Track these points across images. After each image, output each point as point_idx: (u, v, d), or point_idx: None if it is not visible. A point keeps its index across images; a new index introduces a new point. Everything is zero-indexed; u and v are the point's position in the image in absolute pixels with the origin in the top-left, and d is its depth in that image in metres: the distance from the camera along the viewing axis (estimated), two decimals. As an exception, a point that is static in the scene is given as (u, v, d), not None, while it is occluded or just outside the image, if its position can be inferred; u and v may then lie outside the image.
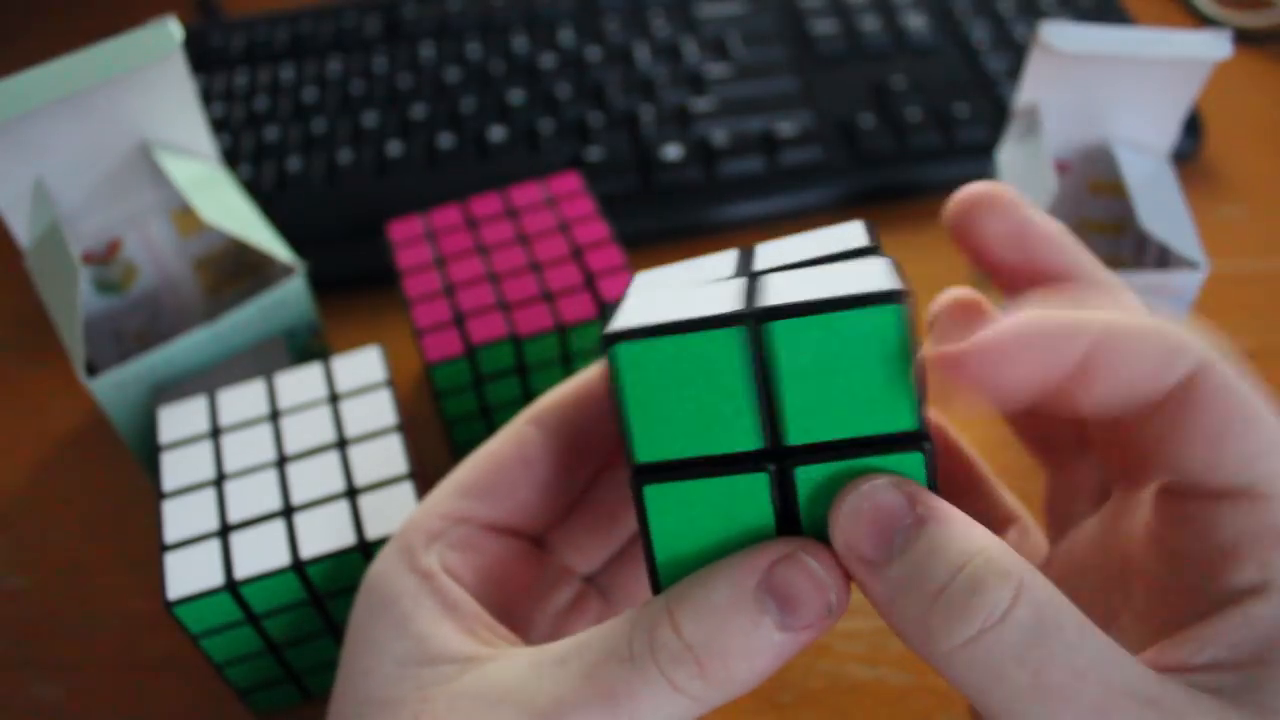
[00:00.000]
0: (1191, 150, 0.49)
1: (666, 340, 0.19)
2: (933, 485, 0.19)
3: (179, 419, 0.33)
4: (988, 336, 0.19)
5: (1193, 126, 0.49)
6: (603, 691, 0.20)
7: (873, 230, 0.22)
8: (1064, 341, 0.19)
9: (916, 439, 0.19)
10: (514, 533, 0.25)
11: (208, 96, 0.53)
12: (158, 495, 0.31)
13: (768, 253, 0.23)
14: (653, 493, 0.20)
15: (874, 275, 0.19)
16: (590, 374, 0.26)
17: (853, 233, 0.23)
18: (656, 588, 0.21)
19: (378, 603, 0.23)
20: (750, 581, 0.19)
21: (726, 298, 0.20)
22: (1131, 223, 0.40)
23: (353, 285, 0.46)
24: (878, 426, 0.19)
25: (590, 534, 0.27)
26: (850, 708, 0.33)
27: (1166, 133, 0.38)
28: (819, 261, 0.21)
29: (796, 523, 0.20)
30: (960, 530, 0.19)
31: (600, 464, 0.26)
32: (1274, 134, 0.50)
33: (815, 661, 0.34)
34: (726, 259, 0.23)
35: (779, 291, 0.20)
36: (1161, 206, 0.36)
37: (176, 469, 0.31)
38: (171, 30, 0.36)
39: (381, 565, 0.24)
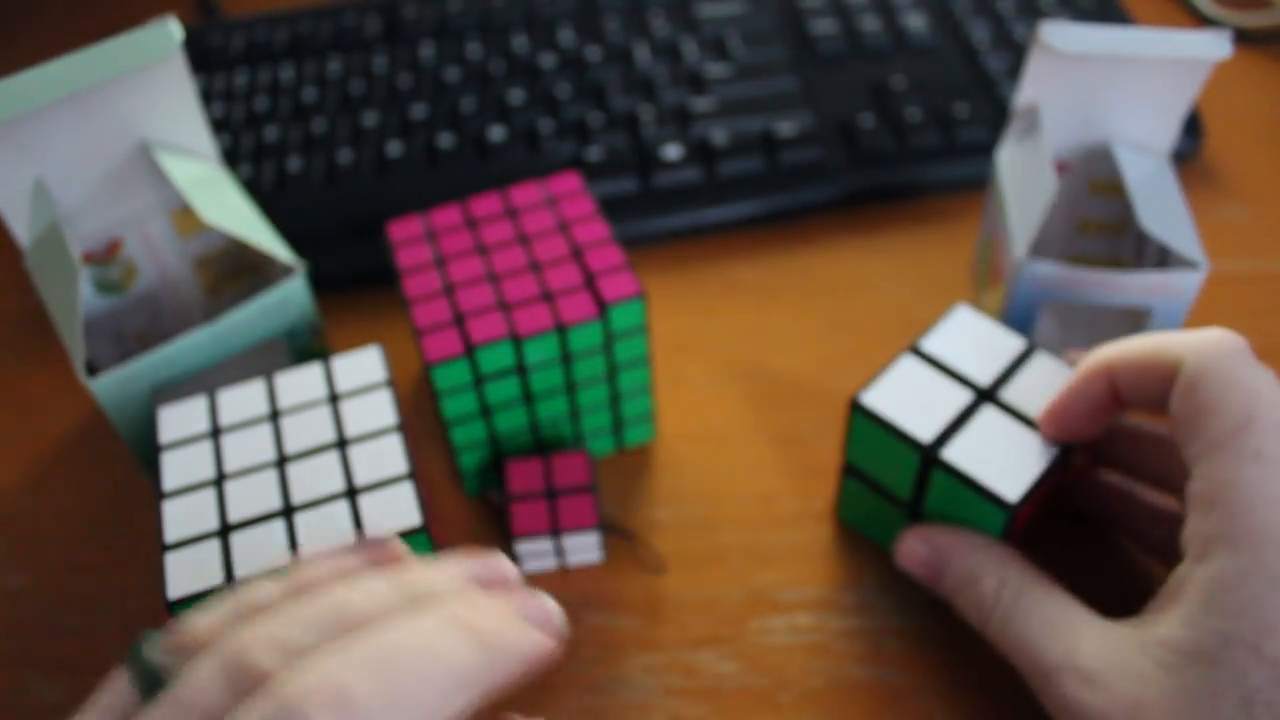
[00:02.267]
0: (1191, 150, 0.49)
1: (877, 427, 0.33)
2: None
3: (179, 419, 0.33)
4: (1063, 391, 0.31)
5: (1193, 126, 0.49)
6: None
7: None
8: (1101, 375, 0.30)
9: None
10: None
11: (208, 96, 0.53)
12: (158, 495, 0.31)
13: (1024, 377, 0.33)
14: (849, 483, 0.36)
15: (1014, 479, 0.31)
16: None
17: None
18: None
19: None
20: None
21: (941, 416, 0.32)
22: (1131, 223, 0.40)
23: (353, 285, 0.46)
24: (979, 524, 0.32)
25: None
26: (850, 708, 0.33)
27: (1166, 133, 0.38)
28: (1026, 422, 0.32)
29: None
30: (965, 561, 0.32)
31: None
32: (1274, 134, 0.50)
33: (815, 661, 0.34)
34: (1008, 352, 0.34)
35: (968, 439, 0.32)
36: (1161, 206, 0.36)
37: (176, 469, 0.31)
38: (171, 30, 0.36)
39: None
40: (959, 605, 0.32)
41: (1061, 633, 0.28)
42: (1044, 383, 0.33)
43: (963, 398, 0.32)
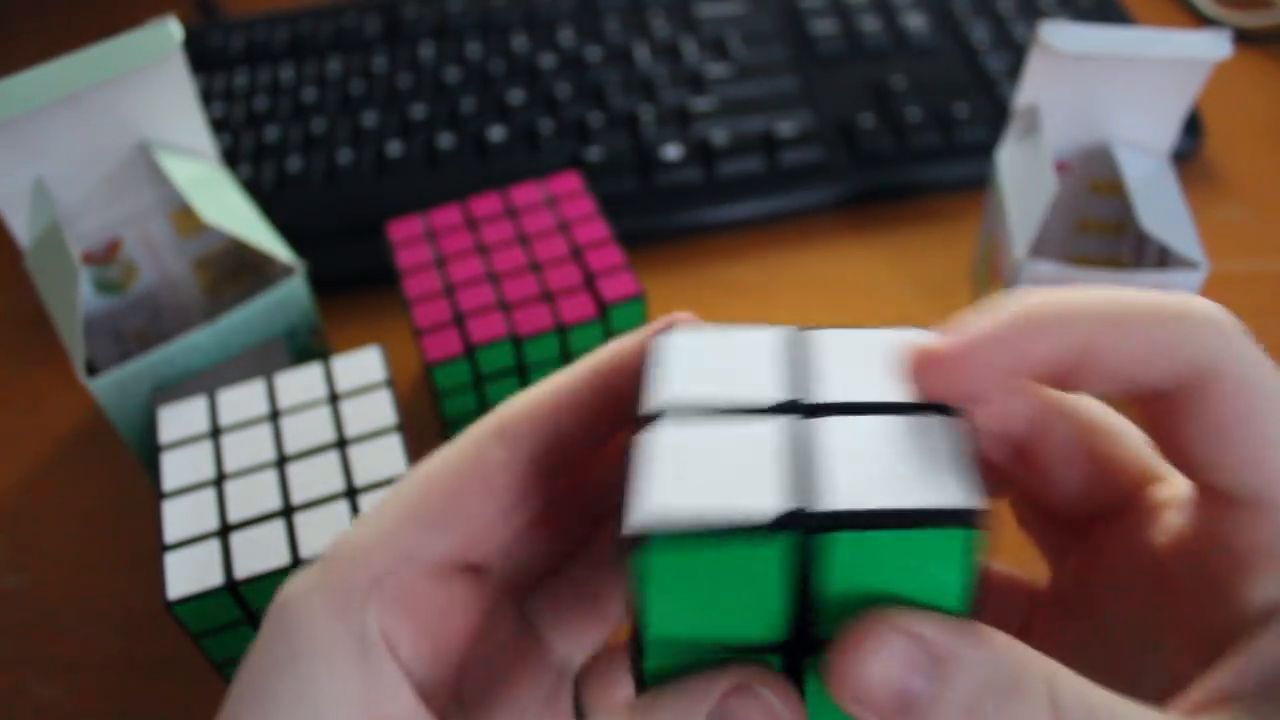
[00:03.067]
0: (1191, 150, 0.49)
1: (697, 552, 0.17)
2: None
3: (179, 419, 0.33)
4: (983, 326, 0.18)
5: (1193, 126, 0.49)
6: None
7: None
8: (1061, 330, 0.18)
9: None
10: (466, 567, 0.21)
11: (208, 96, 0.53)
12: (158, 495, 0.31)
13: (822, 352, 0.20)
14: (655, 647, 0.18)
15: (951, 478, 0.17)
16: (561, 380, 0.21)
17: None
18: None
19: (286, 650, 0.19)
20: (700, 710, 0.17)
21: (770, 470, 0.17)
22: (1131, 223, 0.40)
23: (353, 285, 0.46)
24: None
25: (583, 617, 0.23)
26: (850, 708, 0.33)
27: (1166, 133, 0.38)
28: (883, 409, 0.18)
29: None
30: (988, 659, 0.17)
31: (569, 482, 0.22)
32: (1274, 134, 0.50)
33: (815, 661, 0.34)
34: (772, 346, 0.20)
35: (837, 472, 0.17)
36: (1161, 206, 0.36)
37: (176, 469, 0.31)
38: (171, 30, 0.36)
39: (304, 598, 0.19)
40: None
41: None
42: (853, 362, 0.20)
43: (771, 432, 0.18)
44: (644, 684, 0.18)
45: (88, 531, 0.39)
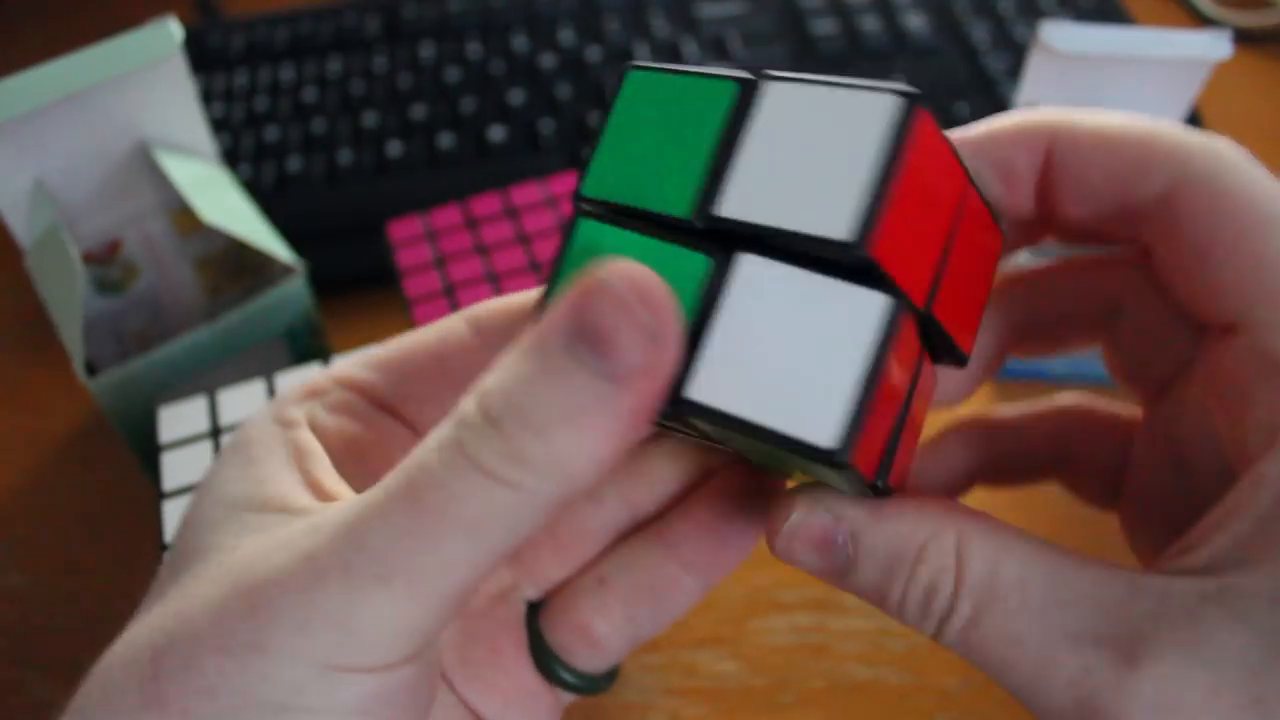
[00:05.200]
0: (1191, 150, 0.49)
1: (675, 78, 0.18)
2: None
3: (179, 419, 0.33)
4: (964, 133, 0.19)
5: (1193, 126, 0.49)
6: (408, 495, 0.16)
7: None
8: (1024, 137, 0.19)
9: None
10: (407, 422, 0.22)
11: (208, 96, 0.53)
12: (158, 495, 0.31)
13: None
14: (585, 228, 0.19)
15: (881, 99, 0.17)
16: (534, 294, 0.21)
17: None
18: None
19: (229, 447, 0.21)
20: (555, 331, 0.16)
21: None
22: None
23: (353, 285, 0.46)
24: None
25: None
26: (850, 708, 0.33)
27: (1166, 133, 0.38)
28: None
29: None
30: (893, 532, 0.19)
31: None
32: (1274, 134, 0.50)
33: (815, 661, 0.34)
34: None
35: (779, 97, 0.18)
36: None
37: (176, 469, 0.31)
38: (171, 30, 0.36)
39: (251, 416, 0.22)
40: (888, 603, 0.19)
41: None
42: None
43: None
44: (578, 213, 0.19)
45: (88, 531, 0.39)
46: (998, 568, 0.18)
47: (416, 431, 0.22)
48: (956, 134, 0.19)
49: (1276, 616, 0.16)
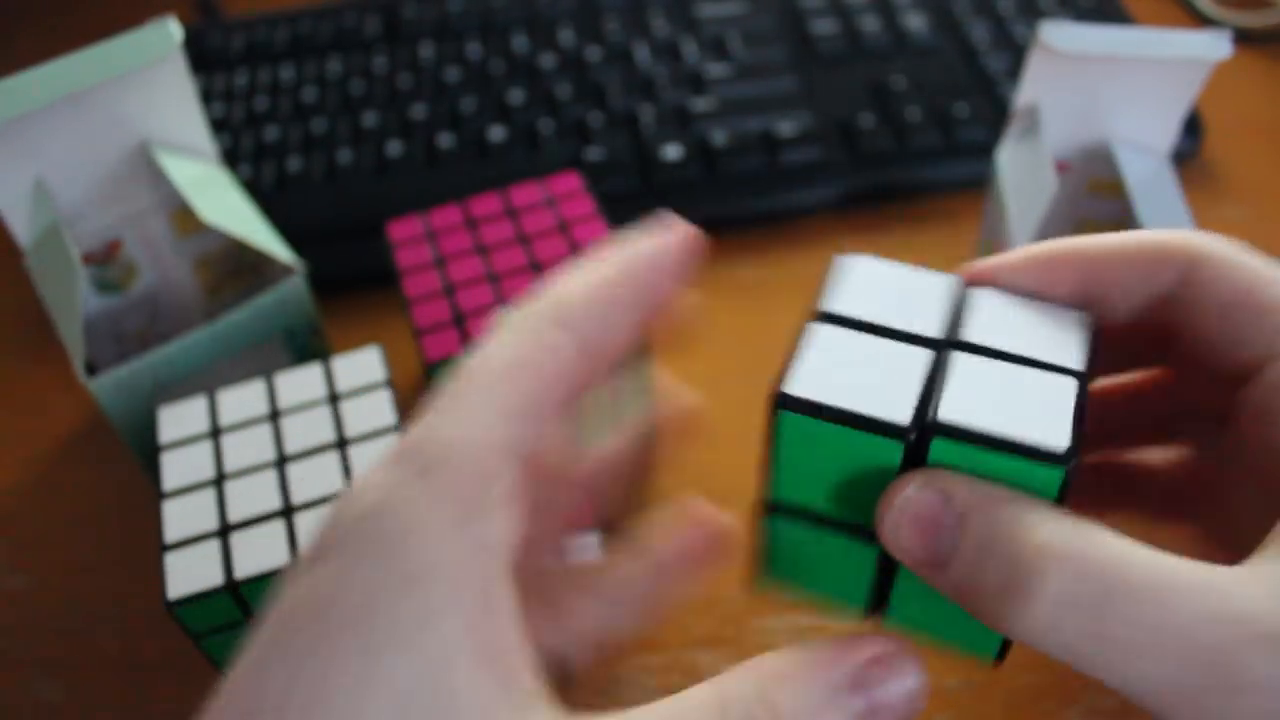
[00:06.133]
0: (1191, 150, 0.49)
1: (830, 426, 0.20)
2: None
3: (179, 419, 0.33)
4: (1006, 257, 0.23)
5: (1193, 126, 0.49)
6: None
7: (1091, 343, 0.22)
8: (1061, 263, 0.22)
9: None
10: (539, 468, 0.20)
11: (208, 96, 0.53)
12: (158, 495, 0.31)
13: (981, 309, 0.23)
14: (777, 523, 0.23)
15: (1056, 417, 0.20)
16: (603, 271, 0.21)
17: (1071, 335, 0.22)
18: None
19: (399, 573, 0.16)
20: (844, 681, 0.19)
21: (906, 381, 0.21)
22: (1131, 223, 0.40)
23: (353, 285, 0.46)
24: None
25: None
26: (850, 708, 0.33)
27: (1166, 133, 0.38)
28: (1017, 359, 0.21)
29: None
30: (1006, 519, 0.19)
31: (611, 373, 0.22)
32: (1274, 134, 0.50)
33: (815, 661, 0.34)
34: (940, 292, 0.23)
35: (957, 393, 0.20)
36: (1161, 206, 0.36)
37: (176, 469, 0.31)
38: (171, 30, 0.36)
39: (412, 507, 0.16)
40: (977, 588, 0.19)
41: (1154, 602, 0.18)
42: (1002, 315, 0.23)
43: (919, 357, 0.22)
44: (769, 529, 0.23)
45: (88, 531, 0.39)
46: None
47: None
48: (1019, 253, 0.23)
49: None
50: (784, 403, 0.20)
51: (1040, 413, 0.20)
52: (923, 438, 0.20)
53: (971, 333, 0.22)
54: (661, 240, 0.22)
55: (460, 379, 0.19)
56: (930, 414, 0.20)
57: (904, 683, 0.19)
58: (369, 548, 0.16)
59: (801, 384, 0.21)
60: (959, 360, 0.21)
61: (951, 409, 0.20)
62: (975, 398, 0.20)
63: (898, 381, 0.21)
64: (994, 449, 0.19)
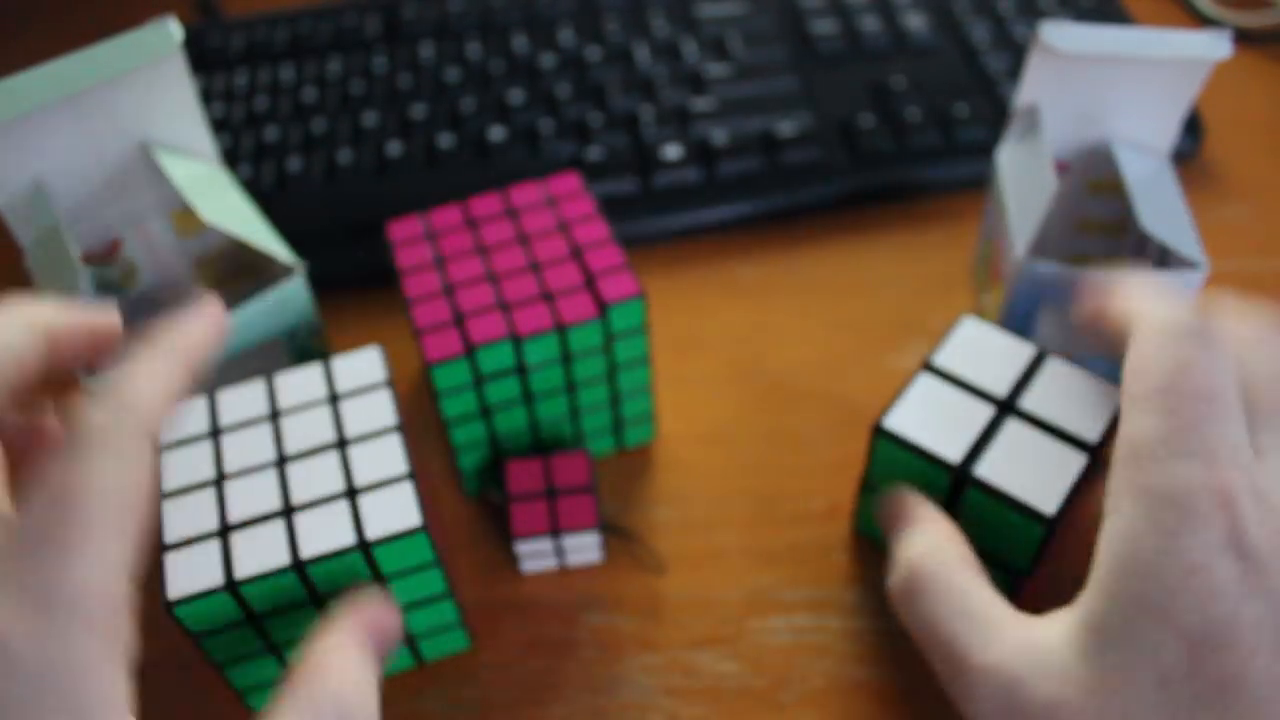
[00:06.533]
0: (1191, 150, 0.49)
1: (903, 450, 0.32)
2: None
3: (179, 419, 0.33)
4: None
5: (1193, 126, 0.49)
6: None
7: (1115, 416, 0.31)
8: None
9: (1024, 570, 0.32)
10: None
11: (208, 96, 0.53)
12: (158, 495, 0.31)
13: (1044, 376, 0.33)
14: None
15: (1057, 484, 0.30)
16: (164, 358, 0.26)
17: (1102, 410, 0.32)
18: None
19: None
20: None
21: (967, 429, 0.32)
22: (1131, 223, 0.40)
23: (353, 285, 0.46)
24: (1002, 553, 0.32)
25: None
26: (850, 708, 0.33)
27: (1166, 133, 0.38)
28: (1051, 431, 0.31)
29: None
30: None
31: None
32: (1274, 134, 0.50)
33: (815, 661, 0.34)
34: (1022, 360, 0.33)
35: (996, 454, 0.31)
36: (1161, 206, 0.36)
37: (176, 469, 0.31)
38: (171, 30, 0.36)
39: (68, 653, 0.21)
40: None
41: (981, 627, 0.26)
42: (1059, 387, 0.32)
43: (984, 412, 0.32)
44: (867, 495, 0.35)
45: (88, 531, 0.39)
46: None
47: None
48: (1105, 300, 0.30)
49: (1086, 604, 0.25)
50: (881, 431, 0.32)
51: (1047, 478, 0.30)
52: (963, 474, 0.31)
53: (1027, 400, 0.32)
54: (197, 321, 0.28)
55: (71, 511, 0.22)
56: (971, 466, 0.31)
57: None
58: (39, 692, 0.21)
59: (895, 418, 0.32)
60: (1008, 423, 0.31)
61: (986, 467, 0.31)
62: (1005, 458, 0.31)
63: (961, 428, 0.32)
64: (1003, 502, 0.30)
